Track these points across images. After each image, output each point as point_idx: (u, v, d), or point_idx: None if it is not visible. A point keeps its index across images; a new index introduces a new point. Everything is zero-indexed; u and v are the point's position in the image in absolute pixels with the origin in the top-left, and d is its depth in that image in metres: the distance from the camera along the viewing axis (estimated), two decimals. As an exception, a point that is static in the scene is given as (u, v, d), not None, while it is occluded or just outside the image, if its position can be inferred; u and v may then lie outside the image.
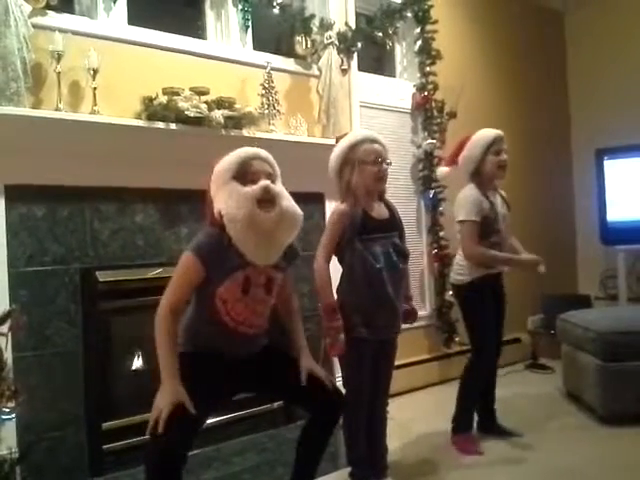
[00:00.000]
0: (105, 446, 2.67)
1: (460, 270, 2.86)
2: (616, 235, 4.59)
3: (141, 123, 2.69)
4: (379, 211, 2.35)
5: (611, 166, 4.67)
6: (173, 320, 1.87)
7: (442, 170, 3.29)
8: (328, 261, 2.29)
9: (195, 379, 1.85)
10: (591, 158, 4.79)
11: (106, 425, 2.68)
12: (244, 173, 1.90)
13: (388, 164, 2.33)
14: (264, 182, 1.88)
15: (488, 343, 2.85)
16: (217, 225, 1.87)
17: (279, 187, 1.95)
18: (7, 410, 2.22)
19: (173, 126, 2.72)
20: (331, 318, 2.21)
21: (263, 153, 1.98)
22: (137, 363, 2.90)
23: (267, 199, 1.86)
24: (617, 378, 3.12)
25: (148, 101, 2.72)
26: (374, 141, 2.31)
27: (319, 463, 2.11)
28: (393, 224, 2.37)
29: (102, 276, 2.65)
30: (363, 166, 2.27)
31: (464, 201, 2.79)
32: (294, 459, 2.11)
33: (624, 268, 4.62)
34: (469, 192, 2.80)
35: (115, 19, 2.82)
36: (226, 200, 1.85)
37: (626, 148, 4.62)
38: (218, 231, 1.87)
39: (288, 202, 1.93)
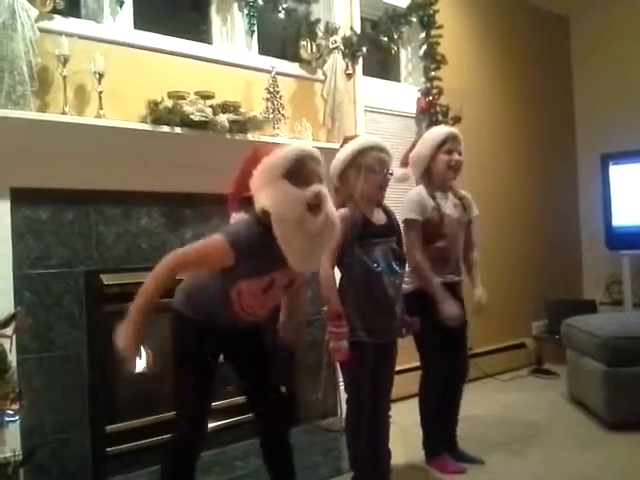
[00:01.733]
0: (109, 449, 2.67)
1: (406, 277, 2.53)
2: (621, 240, 4.58)
3: (146, 127, 2.70)
4: (377, 216, 2.36)
5: (616, 171, 4.66)
6: (169, 278, 1.85)
7: (397, 171, 2.81)
8: (333, 267, 2.29)
9: (192, 341, 1.96)
10: (596, 163, 4.79)
11: (110, 428, 2.68)
12: (298, 173, 1.79)
13: (390, 174, 2.33)
14: (317, 187, 1.78)
15: (436, 361, 2.66)
16: (260, 221, 1.80)
17: (326, 191, 1.85)
18: (11, 412, 2.22)
19: (178, 130, 2.73)
20: (337, 324, 2.21)
21: (316, 153, 1.87)
22: (141, 366, 2.90)
23: (316, 204, 1.78)
24: (623, 384, 3.11)
25: (153, 105, 2.73)
26: (382, 150, 2.31)
27: (292, 466, 2.14)
28: (391, 229, 2.38)
29: (107, 279, 2.66)
30: (368, 173, 2.27)
31: (407, 201, 2.66)
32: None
33: (629, 273, 4.60)
34: (414, 192, 2.68)
35: (121, 23, 2.83)
36: (275, 198, 1.76)
37: (631, 153, 4.61)
38: (261, 228, 1.79)
39: (332, 207, 1.86)
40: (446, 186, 2.74)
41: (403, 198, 2.76)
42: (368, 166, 2.27)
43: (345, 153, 2.32)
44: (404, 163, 2.82)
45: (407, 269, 2.53)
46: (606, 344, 3.17)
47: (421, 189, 2.69)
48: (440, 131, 2.75)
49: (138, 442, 2.73)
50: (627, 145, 4.60)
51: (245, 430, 3.07)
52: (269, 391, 2.12)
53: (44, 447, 2.47)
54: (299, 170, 1.80)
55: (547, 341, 4.54)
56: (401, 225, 2.56)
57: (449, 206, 2.71)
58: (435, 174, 2.70)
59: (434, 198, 2.66)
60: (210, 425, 2.96)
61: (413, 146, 2.81)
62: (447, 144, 2.68)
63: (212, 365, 2.02)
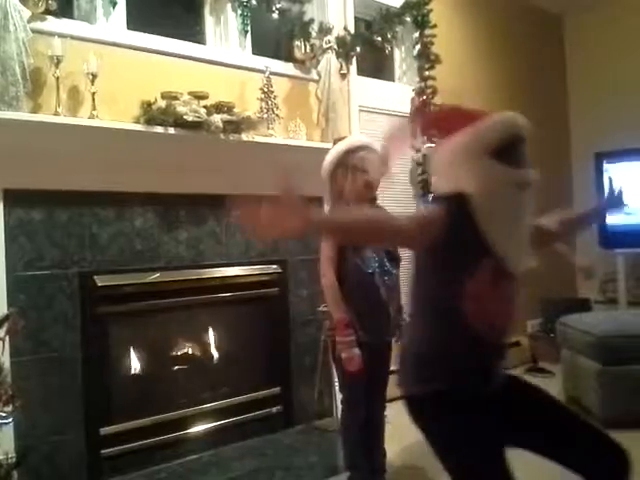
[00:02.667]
0: (103, 451, 2.66)
1: None
2: (615, 239, 4.59)
3: (140, 127, 2.69)
4: None
5: (610, 170, 4.67)
6: (406, 236, 1.45)
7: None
8: (336, 274, 2.28)
9: (471, 432, 1.43)
10: (590, 162, 4.80)
11: (104, 430, 2.67)
12: (509, 152, 1.45)
13: (382, 171, 2.33)
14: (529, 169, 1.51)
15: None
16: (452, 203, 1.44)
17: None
18: (4, 415, 2.20)
19: (172, 130, 2.72)
20: (344, 333, 2.21)
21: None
22: (135, 368, 2.90)
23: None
24: (617, 382, 3.12)
25: (147, 105, 2.72)
26: (371, 150, 2.32)
27: None
28: None
29: (100, 280, 2.65)
30: (355, 173, 2.27)
31: None
32: None
33: (623, 271, 4.62)
34: None
35: (114, 24, 2.82)
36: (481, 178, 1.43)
37: (625, 152, 4.62)
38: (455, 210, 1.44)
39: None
40: None
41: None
42: (355, 165, 2.27)
43: (334, 154, 2.33)
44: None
45: None
46: (601, 342, 3.18)
47: None
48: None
49: (133, 444, 2.73)
50: (621, 144, 4.61)
51: (239, 431, 3.08)
52: (596, 434, 1.52)
53: (38, 449, 2.46)
54: (512, 147, 1.46)
55: (542, 340, 4.55)
56: None
57: None
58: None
59: None
60: (207, 426, 2.98)
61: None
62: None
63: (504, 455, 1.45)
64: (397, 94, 4.12)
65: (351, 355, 2.19)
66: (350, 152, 2.30)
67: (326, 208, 3.38)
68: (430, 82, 4.09)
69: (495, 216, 1.42)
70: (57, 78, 2.52)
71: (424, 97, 4.09)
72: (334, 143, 2.45)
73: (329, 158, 2.34)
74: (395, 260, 2.38)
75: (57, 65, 2.51)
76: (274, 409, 3.24)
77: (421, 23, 4.04)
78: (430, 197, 3.93)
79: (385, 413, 2.48)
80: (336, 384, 3.34)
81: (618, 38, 5.03)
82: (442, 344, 1.48)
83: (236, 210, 1.21)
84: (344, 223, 1.40)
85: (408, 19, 3.93)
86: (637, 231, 4.47)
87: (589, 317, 3.74)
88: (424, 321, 1.53)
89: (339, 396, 3.36)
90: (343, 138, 2.49)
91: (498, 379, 1.53)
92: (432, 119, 1.62)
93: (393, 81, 4.25)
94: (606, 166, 4.68)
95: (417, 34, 4.08)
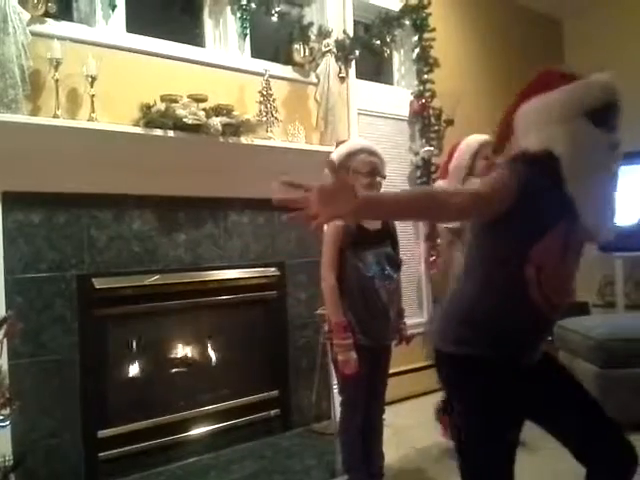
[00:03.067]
0: (101, 454, 2.65)
1: None
2: (614, 242, 4.58)
3: (139, 130, 2.69)
4: (371, 222, 2.35)
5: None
6: (451, 213, 1.38)
7: (439, 184, 3.01)
8: (336, 276, 2.28)
9: (493, 400, 1.42)
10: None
11: (102, 433, 2.66)
12: (605, 116, 1.41)
13: (382, 177, 2.33)
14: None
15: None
16: (535, 162, 1.40)
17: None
18: (1, 417, 2.20)
19: (171, 133, 2.73)
20: (342, 336, 2.21)
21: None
22: (133, 371, 2.90)
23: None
24: (616, 385, 3.12)
25: (146, 108, 2.72)
26: (372, 153, 2.32)
27: None
28: (385, 234, 2.38)
29: (99, 283, 2.65)
30: (356, 176, 2.27)
31: None
32: None
33: (622, 275, 4.62)
34: None
35: (113, 27, 2.83)
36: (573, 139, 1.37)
37: (625, 155, 4.61)
38: (538, 169, 1.39)
39: None
40: None
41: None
42: (356, 168, 2.28)
43: (334, 157, 2.33)
44: (444, 174, 2.86)
45: None
46: (599, 346, 3.18)
47: None
48: (474, 141, 2.79)
49: (131, 447, 2.72)
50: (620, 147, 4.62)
51: (238, 434, 3.08)
52: (610, 427, 1.50)
53: (35, 452, 2.46)
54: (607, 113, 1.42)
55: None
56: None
57: None
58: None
59: None
60: (205, 429, 2.98)
61: (449, 157, 2.85)
62: (482, 152, 2.73)
63: (517, 435, 1.47)
64: (396, 97, 4.12)
65: (347, 358, 2.20)
66: (351, 155, 2.30)
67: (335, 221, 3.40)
68: (429, 85, 4.11)
69: (585, 178, 1.37)
70: (56, 81, 2.52)
71: (423, 100, 4.11)
72: (336, 146, 2.46)
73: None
74: (396, 264, 2.38)
75: (56, 68, 2.51)
76: (272, 412, 3.24)
77: (420, 27, 4.07)
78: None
79: (383, 416, 2.48)
80: (335, 387, 3.35)
81: (617, 42, 5.04)
82: (493, 308, 1.44)
83: (287, 211, 1.20)
84: (396, 200, 1.31)
85: (407, 23, 3.95)
86: (636, 234, 4.47)
87: (587, 320, 3.75)
88: (478, 281, 1.48)
89: (337, 399, 3.35)
90: (344, 141, 2.50)
91: (537, 355, 1.50)
92: (536, 77, 1.55)
93: (392, 84, 4.26)
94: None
95: (416, 38, 4.11)
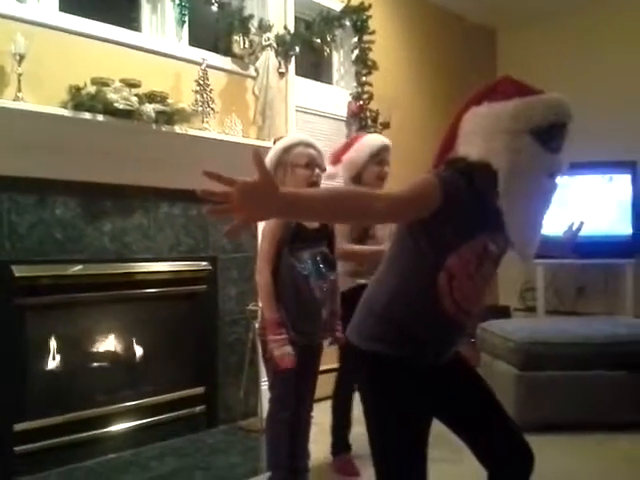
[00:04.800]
0: (17, 448, 2.54)
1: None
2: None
3: (66, 113, 2.59)
4: None
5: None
6: (373, 216, 1.38)
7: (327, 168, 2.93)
8: (272, 273, 2.24)
9: (402, 395, 1.45)
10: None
11: (18, 427, 2.55)
12: (550, 134, 1.38)
13: (322, 170, 2.33)
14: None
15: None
16: (465, 171, 1.41)
17: None
18: None
19: (100, 117, 2.63)
20: (276, 332, 2.18)
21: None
22: (53, 363, 2.78)
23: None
24: (534, 387, 3.24)
25: (75, 90, 2.62)
26: (308, 145, 2.31)
27: None
28: (323, 233, 2.37)
29: (18, 271, 2.53)
30: (295, 169, 2.26)
31: None
32: None
33: (543, 281, 4.81)
34: None
35: (45, 4, 2.71)
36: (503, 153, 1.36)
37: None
38: (466, 179, 1.40)
39: None
40: None
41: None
42: (293, 162, 2.26)
43: (272, 153, 2.31)
44: (335, 161, 2.84)
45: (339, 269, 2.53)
46: (518, 348, 3.29)
47: None
48: (375, 141, 2.80)
49: (48, 441, 2.62)
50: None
51: (161, 431, 3.01)
52: (511, 429, 1.58)
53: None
54: (551, 131, 1.39)
55: (463, 344, 4.66)
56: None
57: None
58: (364, 182, 2.74)
59: None
60: (126, 425, 2.89)
61: (347, 146, 2.83)
62: (380, 155, 2.75)
63: (428, 423, 1.49)
64: (334, 97, 4.14)
65: (283, 353, 2.17)
66: (288, 149, 2.28)
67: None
68: (367, 88, 4.15)
69: (519, 195, 1.35)
70: (-20, 57, 2.39)
71: (360, 102, 4.15)
72: (274, 143, 2.43)
73: (268, 158, 2.31)
74: (332, 264, 2.37)
75: (-19, 43, 2.38)
76: (197, 408, 3.18)
77: (360, 28, 4.10)
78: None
79: (312, 414, 2.48)
80: (263, 384, 3.32)
81: (550, 53, 5.24)
82: (405, 309, 1.46)
83: (208, 204, 1.13)
84: (316, 199, 1.25)
85: (348, 23, 3.97)
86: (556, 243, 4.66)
87: (508, 324, 3.87)
88: (393, 281, 1.49)
89: (265, 396, 3.34)
90: (282, 137, 2.48)
91: (447, 356, 1.54)
92: (491, 84, 1.50)
93: (331, 84, 4.28)
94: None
95: (356, 39, 4.14)
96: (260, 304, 2.33)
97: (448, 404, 1.56)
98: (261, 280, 2.24)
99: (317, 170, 2.30)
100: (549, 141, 1.37)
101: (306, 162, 2.27)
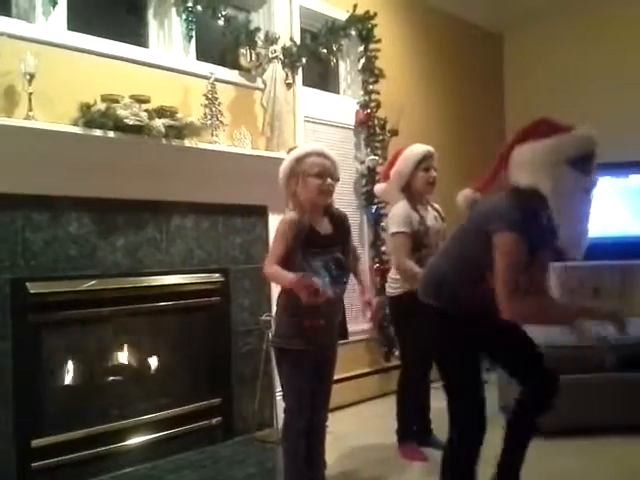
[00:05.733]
0: (34, 464, 2.55)
1: (392, 283, 2.93)
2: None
3: (77, 130, 2.62)
4: (323, 225, 2.33)
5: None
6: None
7: (379, 187, 3.30)
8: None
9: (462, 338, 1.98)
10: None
11: (35, 442, 2.56)
12: (583, 162, 1.85)
13: (335, 179, 2.32)
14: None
15: (414, 358, 2.88)
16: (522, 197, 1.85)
17: None
18: None
19: (111, 134, 2.66)
20: (299, 284, 2.10)
21: None
22: (69, 378, 2.80)
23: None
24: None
25: (86, 108, 2.65)
26: (321, 155, 2.29)
27: (526, 446, 2.19)
28: (336, 239, 2.35)
29: (33, 287, 2.55)
30: (307, 178, 2.25)
31: (395, 215, 2.87)
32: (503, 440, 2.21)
33: (558, 284, 4.76)
34: (400, 206, 2.88)
35: (54, 24, 2.74)
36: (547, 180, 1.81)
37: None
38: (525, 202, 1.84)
39: None
40: (424, 200, 2.98)
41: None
42: (305, 172, 2.26)
43: (285, 163, 2.31)
44: (385, 177, 3.06)
45: (393, 276, 2.92)
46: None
47: (405, 204, 2.88)
48: (418, 150, 2.93)
49: (66, 457, 2.63)
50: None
51: (177, 444, 3.01)
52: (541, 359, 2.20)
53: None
54: (590, 160, 1.87)
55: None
56: (389, 237, 2.91)
57: (431, 218, 2.95)
58: (414, 189, 2.91)
59: (417, 211, 2.88)
60: (144, 438, 2.90)
61: (392, 161, 3.01)
62: (424, 162, 2.90)
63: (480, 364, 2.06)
64: (342, 106, 4.16)
65: (314, 285, 2.10)
66: (300, 159, 2.28)
67: (273, 218, 3.38)
68: (374, 96, 4.17)
69: (566, 212, 1.77)
70: (-8, 77, 2.43)
71: (368, 110, 4.16)
72: (287, 153, 2.44)
73: (282, 167, 2.32)
74: (344, 269, 2.35)
75: (-8, 64, 2.42)
76: (214, 420, 3.19)
77: (366, 37, 4.12)
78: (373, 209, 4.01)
79: (327, 423, 2.48)
80: (278, 394, 3.32)
81: (555, 57, 5.23)
82: (460, 288, 1.97)
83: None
84: None
85: (353, 33, 3.99)
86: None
87: (523, 327, 3.82)
88: (456, 264, 2.00)
89: (280, 406, 3.34)
90: (295, 147, 2.48)
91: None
92: (533, 125, 1.93)
93: (338, 93, 4.30)
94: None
95: (362, 48, 4.16)
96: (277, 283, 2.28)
97: (495, 344, 2.13)
98: (269, 269, 2.20)
99: (329, 180, 2.29)
100: (582, 167, 1.79)
101: (317, 171, 2.25)
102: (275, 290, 3.46)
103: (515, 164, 1.88)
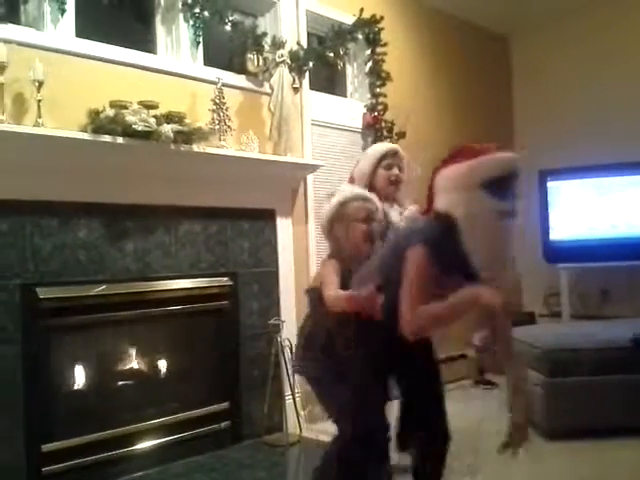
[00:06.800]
0: (45, 469, 2.56)
1: None
2: (559, 254, 4.73)
3: (86, 136, 2.63)
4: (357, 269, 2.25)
5: (554, 187, 4.82)
6: None
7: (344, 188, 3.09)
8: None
9: None
10: (534, 178, 4.94)
11: (46, 447, 2.57)
12: (498, 185, 1.71)
13: (379, 222, 2.25)
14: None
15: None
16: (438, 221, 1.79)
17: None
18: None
19: (120, 140, 2.67)
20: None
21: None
22: (78, 383, 2.82)
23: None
24: (561, 393, 3.19)
25: (94, 114, 2.67)
26: (365, 199, 2.26)
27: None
28: None
29: (43, 293, 2.57)
30: (354, 223, 2.18)
31: None
32: None
33: (567, 286, 4.75)
34: None
35: (62, 31, 2.77)
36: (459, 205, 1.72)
37: (568, 170, 4.77)
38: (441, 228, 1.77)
39: None
40: (390, 199, 2.76)
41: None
42: (350, 216, 2.18)
43: (329, 208, 2.24)
44: (350, 179, 2.86)
45: None
46: (545, 355, 3.25)
47: None
48: (379, 148, 2.79)
49: (76, 461, 2.64)
50: (565, 162, 4.77)
51: (186, 447, 3.02)
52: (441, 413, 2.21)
53: (-26, 468, 2.36)
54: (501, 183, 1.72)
55: (488, 352, 4.62)
56: None
57: (395, 216, 2.74)
58: (376, 188, 2.71)
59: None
60: (154, 442, 2.91)
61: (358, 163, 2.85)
62: (386, 160, 2.70)
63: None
64: (349, 110, 4.16)
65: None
66: (344, 204, 2.21)
67: (281, 222, 3.38)
68: (381, 99, 4.17)
69: (477, 239, 1.66)
70: (1, 85, 2.45)
71: (375, 113, 4.17)
72: (327, 199, 2.38)
73: (325, 212, 2.25)
74: None
75: (1, 71, 2.44)
76: (223, 424, 3.19)
77: (372, 41, 4.13)
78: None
79: None
80: (287, 398, 3.33)
81: (563, 58, 5.21)
82: None
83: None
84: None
85: (360, 36, 4.00)
86: (580, 246, 4.62)
87: (534, 330, 3.83)
88: None
89: (290, 411, 3.35)
90: (334, 193, 2.42)
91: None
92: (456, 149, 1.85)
93: (345, 97, 4.30)
94: (550, 183, 4.83)
95: (369, 51, 4.16)
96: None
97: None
98: (330, 294, 2.01)
99: (375, 224, 2.22)
100: (498, 191, 1.67)
101: (364, 216, 2.19)
102: (283, 294, 3.49)
103: (436, 188, 1.82)
